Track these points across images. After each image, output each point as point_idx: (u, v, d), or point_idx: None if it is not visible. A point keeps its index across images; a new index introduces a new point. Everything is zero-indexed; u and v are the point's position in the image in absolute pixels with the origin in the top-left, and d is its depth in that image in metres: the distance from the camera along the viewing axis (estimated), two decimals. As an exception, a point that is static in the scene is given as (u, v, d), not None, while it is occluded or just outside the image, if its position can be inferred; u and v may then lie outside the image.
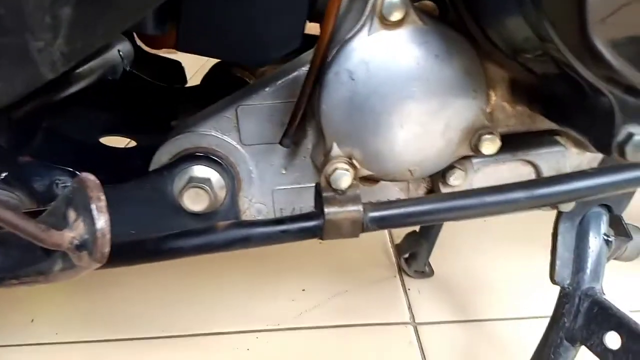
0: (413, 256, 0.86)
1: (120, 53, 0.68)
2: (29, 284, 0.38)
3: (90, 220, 0.32)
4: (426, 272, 0.87)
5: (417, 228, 0.86)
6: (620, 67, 0.33)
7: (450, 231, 0.85)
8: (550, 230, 0.58)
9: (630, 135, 0.36)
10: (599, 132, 0.37)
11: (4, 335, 0.75)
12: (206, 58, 0.58)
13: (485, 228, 0.97)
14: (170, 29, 0.48)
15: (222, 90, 0.52)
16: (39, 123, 0.51)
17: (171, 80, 0.73)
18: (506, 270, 0.88)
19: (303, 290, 0.84)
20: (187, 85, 0.75)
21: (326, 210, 0.42)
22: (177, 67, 0.75)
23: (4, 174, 0.42)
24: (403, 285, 0.86)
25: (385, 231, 0.98)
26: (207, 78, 0.70)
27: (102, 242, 0.32)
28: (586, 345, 0.54)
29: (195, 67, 0.73)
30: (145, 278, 0.86)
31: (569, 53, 0.34)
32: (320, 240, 0.44)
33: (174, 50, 0.62)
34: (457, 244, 0.93)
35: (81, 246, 0.33)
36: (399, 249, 0.90)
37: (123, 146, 0.63)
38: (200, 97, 0.65)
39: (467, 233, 0.96)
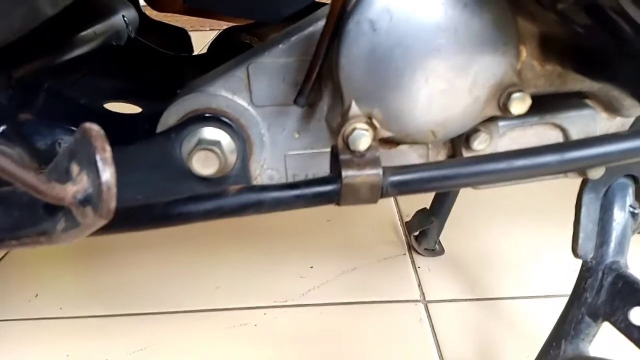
0: (423, 234, 0.84)
1: (125, 19, 0.66)
2: (29, 245, 0.36)
3: (94, 173, 0.30)
4: (437, 250, 0.86)
5: (427, 204, 0.84)
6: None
7: (461, 209, 0.83)
8: (564, 207, 0.56)
9: (678, 88, 0.34)
10: (642, 84, 0.35)
11: (7, 310, 0.74)
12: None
13: (497, 205, 0.95)
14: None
15: (230, 57, 0.50)
16: (41, 84, 0.48)
17: (177, 48, 0.71)
18: (518, 248, 0.86)
19: (311, 267, 0.83)
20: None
21: (344, 173, 0.40)
22: (183, 35, 0.73)
23: (2, 127, 0.40)
24: (413, 263, 0.84)
25: (394, 208, 0.96)
26: (214, 45, 0.68)
27: (108, 196, 0.30)
28: (609, 321, 0.52)
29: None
30: (151, 253, 0.84)
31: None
32: (338, 205, 0.42)
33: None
34: (468, 221, 0.91)
35: (85, 201, 0.30)
36: (408, 226, 0.88)
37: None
38: (207, 64, 0.63)
39: (478, 211, 0.94)
